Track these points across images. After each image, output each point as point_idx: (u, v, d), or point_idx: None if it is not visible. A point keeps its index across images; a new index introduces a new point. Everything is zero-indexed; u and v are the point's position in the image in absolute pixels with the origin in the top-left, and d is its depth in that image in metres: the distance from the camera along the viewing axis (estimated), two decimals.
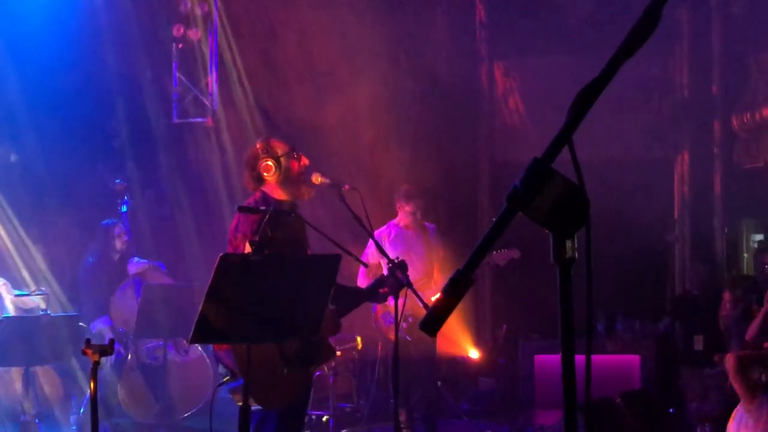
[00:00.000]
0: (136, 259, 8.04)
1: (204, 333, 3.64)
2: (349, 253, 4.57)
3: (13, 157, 9.14)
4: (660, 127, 10.48)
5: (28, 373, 6.90)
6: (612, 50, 1.38)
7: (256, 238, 3.87)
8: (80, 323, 7.38)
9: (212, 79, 9.38)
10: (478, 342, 9.60)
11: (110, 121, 9.38)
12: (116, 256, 8.01)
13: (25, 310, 7.45)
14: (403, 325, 6.83)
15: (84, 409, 7.40)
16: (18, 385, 6.98)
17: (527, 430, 7.28)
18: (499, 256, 7.58)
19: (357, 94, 9.28)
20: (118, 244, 7.99)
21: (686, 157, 10.65)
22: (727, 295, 8.45)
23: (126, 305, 7.87)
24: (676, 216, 10.75)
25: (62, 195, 8.58)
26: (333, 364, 7.71)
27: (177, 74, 9.39)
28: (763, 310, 7.93)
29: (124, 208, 8.06)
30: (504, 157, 10.84)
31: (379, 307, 7.33)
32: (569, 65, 9.27)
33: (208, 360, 7.99)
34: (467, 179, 10.70)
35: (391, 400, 4.86)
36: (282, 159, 4.53)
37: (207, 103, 9.38)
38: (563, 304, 1.33)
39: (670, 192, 10.75)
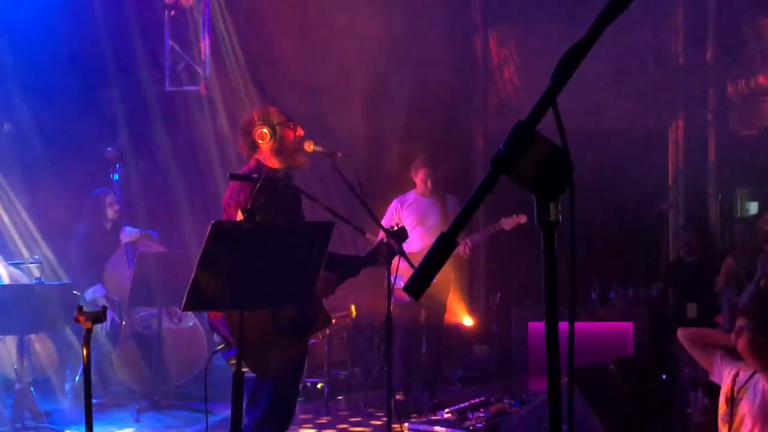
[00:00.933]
0: (128, 227, 8.05)
1: (196, 300, 3.65)
2: (347, 222, 4.58)
3: (6, 127, 9.10)
4: (654, 95, 10.45)
5: (22, 342, 6.92)
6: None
7: (249, 206, 3.87)
8: (74, 291, 7.40)
9: (205, 46, 9.33)
10: (472, 309, 9.65)
11: (103, 89, 9.34)
12: (108, 225, 8.01)
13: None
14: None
15: (79, 377, 7.43)
16: (13, 354, 7.00)
17: (521, 396, 7.32)
18: (507, 222, 7.75)
19: (351, 62, 9.24)
20: (110, 213, 7.99)
21: (681, 124, 10.64)
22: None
23: (119, 274, 7.89)
24: (670, 184, 10.76)
25: (55, 164, 8.55)
26: (327, 332, 7.77)
27: (169, 42, 9.33)
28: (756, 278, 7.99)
29: (116, 177, 8.05)
30: (498, 129, 10.80)
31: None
32: (565, 33, 9.21)
33: (201, 328, 8.02)
34: (461, 151, 10.68)
35: (386, 368, 4.88)
36: (278, 128, 4.53)
37: (200, 70, 9.33)
38: (547, 267, 1.34)
39: (665, 160, 10.75)
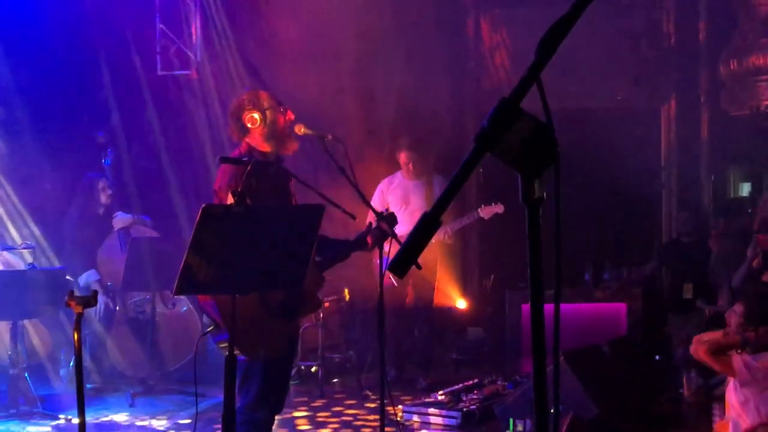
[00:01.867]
0: (121, 213, 8.03)
1: (188, 284, 3.66)
2: (336, 205, 4.57)
3: None
4: (646, 75, 10.43)
5: (16, 327, 6.92)
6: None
7: (239, 189, 3.86)
8: (67, 277, 7.39)
9: (196, 29, 9.28)
10: (466, 292, 9.66)
11: (94, 74, 9.29)
12: (101, 210, 7.99)
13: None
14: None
15: (73, 363, 7.43)
16: (6, 340, 7.00)
17: (514, 377, 7.34)
18: (485, 211, 7.91)
19: (342, 46, 9.21)
20: (103, 198, 7.97)
21: (673, 105, 10.62)
22: None
23: (112, 259, 7.88)
24: (663, 164, 10.75)
25: (47, 149, 8.51)
26: (321, 315, 7.80)
27: (159, 26, 9.28)
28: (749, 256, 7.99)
29: (108, 162, 8.02)
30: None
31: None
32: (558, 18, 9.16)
33: (196, 313, 8.02)
34: (453, 136, 10.65)
35: (378, 350, 4.89)
36: (268, 112, 4.52)
37: (191, 54, 9.28)
38: (532, 244, 1.33)
39: (657, 140, 10.74)
